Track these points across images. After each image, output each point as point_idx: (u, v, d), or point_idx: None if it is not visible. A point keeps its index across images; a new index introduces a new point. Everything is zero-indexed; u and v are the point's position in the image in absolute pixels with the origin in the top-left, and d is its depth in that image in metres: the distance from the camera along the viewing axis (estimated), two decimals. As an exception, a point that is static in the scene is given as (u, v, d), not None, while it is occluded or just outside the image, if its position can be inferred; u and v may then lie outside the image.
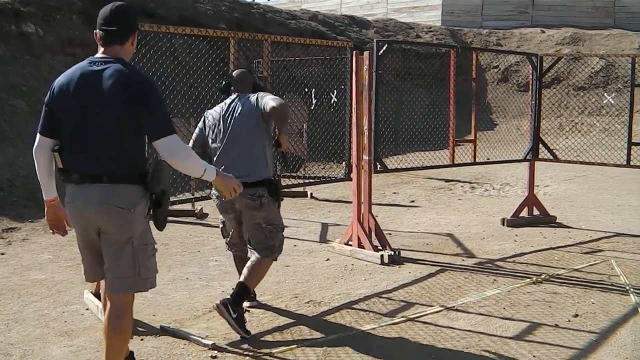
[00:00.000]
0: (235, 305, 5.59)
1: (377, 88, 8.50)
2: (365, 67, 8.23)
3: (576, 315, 6.26)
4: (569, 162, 11.24)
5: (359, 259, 8.17)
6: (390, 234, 9.40)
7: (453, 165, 9.88)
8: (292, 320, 6.05)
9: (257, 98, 5.86)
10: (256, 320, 6.02)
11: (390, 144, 14.85)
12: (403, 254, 8.30)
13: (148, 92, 4.05)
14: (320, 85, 9.99)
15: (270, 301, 6.60)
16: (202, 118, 6.16)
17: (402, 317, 6.15)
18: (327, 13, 27.72)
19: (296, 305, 6.51)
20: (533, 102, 10.58)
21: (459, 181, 14.77)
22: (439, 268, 7.84)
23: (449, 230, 9.98)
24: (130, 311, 4.34)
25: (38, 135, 4.23)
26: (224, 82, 6.28)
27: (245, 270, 5.85)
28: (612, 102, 23.45)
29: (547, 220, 10.48)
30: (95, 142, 4.07)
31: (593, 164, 10.95)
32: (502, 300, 6.68)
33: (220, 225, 6.34)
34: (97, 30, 4.20)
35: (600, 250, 8.83)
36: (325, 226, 10.24)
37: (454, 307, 6.46)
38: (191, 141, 6.18)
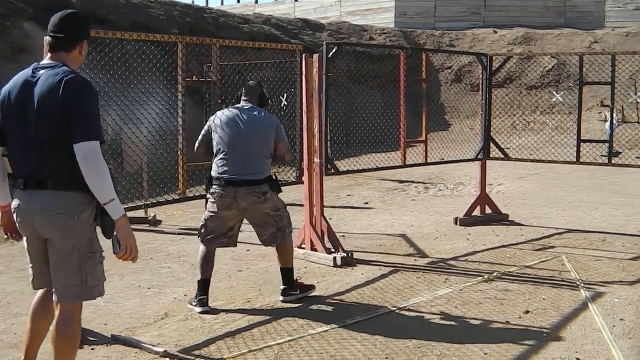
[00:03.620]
0: (291, 286, 6.74)
1: (328, 90, 8.51)
2: (315, 69, 8.22)
3: (527, 312, 6.32)
4: (520, 160, 11.34)
5: (311, 261, 8.16)
6: (343, 236, 9.40)
7: (404, 166, 9.91)
8: (244, 325, 6.01)
9: (277, 128, 6.62)
10: (208, 326, 5.98)
11: (343, 146, 14.85)
12: (356, 255, 8.31)
13: (81, 96, 4.01)
14: (271, 88, 9.96)
15: (223, 306, 6.56)
16: (212, 117, 6.70)
17: (355, 318, 6.14)
18: (281, 17, 27.72)
19: (248, 310, 6.47)
20: (483, 101, 10.66)
21: (413, 182, 14.85)
22: (391, 269, 7.87)
23: (403, 230, 10.02)
24: (78, 318, 4.27)
25: None
26: (240, 92, 6.86)
27: (279, 258, 6.80)
28: (561, 100, 23.73)
29: (499, 218, 10.58)
30: (38, 147, 4.04)
31: (543, 161, 11.06)
32: (454, 299, 6.72)
33: (202, 222, 6.63)
34: (46, 36, 4.22)
35: (551, 247, 8.93)
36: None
37: (406, 307, 6.48)
38: (199, 139, 6.74)
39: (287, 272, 6.76)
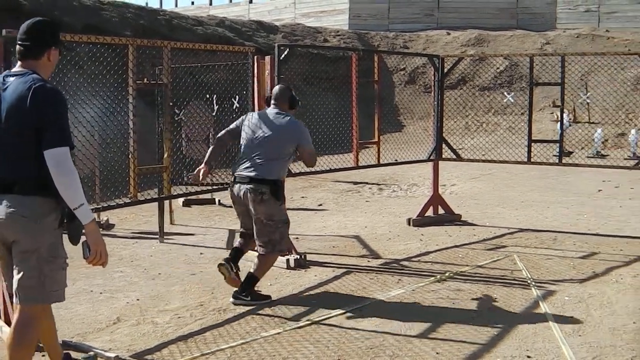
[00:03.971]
0: (244, 291, 6.69)
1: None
2: (267, 72, 8.21)
3: (479, 311, 6.36)
4: (471, 160, 11.44)
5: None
6: (297, 238, 9.40)
7: (357, 167, 9.92)
8: (197, 329, 5.97)
9: (300, 134, 6.81)
10: (160, 330, 5.94)
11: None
12: (309, 257, 8.31)
13: (49, 104, 4.06)
14: (224, 90, 9.94)
15: (176, 310, 6.51)
16: (246, 115, 7.10)
17: (307, 320, 6.14)
18: (235, 19, 27.65)
19: (201, 313, 6.42)
20: (435, 103, 10.73)
21: (367, 183, 14.90)
22: (344, 270, 7.88)
23: (356, 232, 10.04)
24: (37, 323, 4.25)
25: None
26: (269, 96, 7.19)
27: (254, 263, 6.82)
28: (512, 101, 23.98)
29: (452, 218, 10.66)
30: (6, 151, 4.11)
31: (495, 161, 11.16)
32: (407, 299, 6.75)
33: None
34: (17, 45, 4.26)
35: (503, 246, 9.01)
36: (232, 233, 10.16)
37: (358, 308, 6.49)
38: (226, 129, 7.16)
39: (251, 279, 6.79)
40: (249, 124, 6.88)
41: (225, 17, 27.03)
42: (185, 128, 11.24)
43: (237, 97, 9.77)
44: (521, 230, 10.03)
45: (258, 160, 6.64)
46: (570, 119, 22.11)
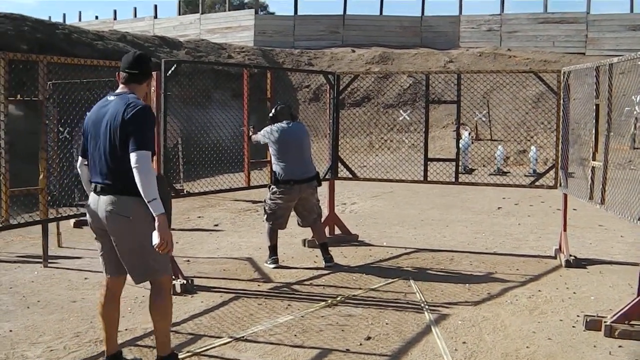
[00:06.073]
0: (327, 253, 8.99)
1: (166, 109, 8.13)
2: (153, 88, 7.84)
3: (369, 338, 6.11)
4: (368, 179, 11.27)
5: (149, 289, 7.70)
6: (188, 260, 9.04)
7: (249, 187, 9.64)
8: (67, 364, 5.57)
9: (307, 133, 9.17)
10: (26, 366, 5.50)
11: (198, 166, 14.45)
12: (198, 281, 7.94)
13: (139, 116, 4.87)
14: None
15: (49, 342, 6.06)
16: (270, 130, 8.86)
17: (188, 352, 5.78)
18: (138, 34, 27.13)
19: (76, 345, 5.99)
20: (331, 121, 10.51)
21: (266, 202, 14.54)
22: (233, 295, 7.51)
23: (249, 254, 9.69)
24: (166, 292, 5.39)
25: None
26: (271, 115, 8.99)
27: (317, 235, 9.22)
28: (408, 118, 24.07)
29: (349, 238, 10.41)
30: (105, 158, 4.96)
31: (391, 180, 10.98)
32: (295, 326, 6.44)
33: (270, 212, 8.91)
34: (121, 72, 5.19)
35: (399, 268, 8.80)
36: (122, 255, 9.72)
37: (243, 337, 6.15)
38: (260, 139, 9.03)
39: (325, 246, 9.00)
40: (278, 139, 8.81)
41: (128, 32, 26.48)
42: (77, 146, 10.73)
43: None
44: (418, 250, 9.84)
45: (306, 161, 8.96)
46: (472, 136, 22.27)
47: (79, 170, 5.36)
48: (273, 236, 8.98)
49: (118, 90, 5.18)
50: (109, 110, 4.97)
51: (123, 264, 5.15)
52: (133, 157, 4.77)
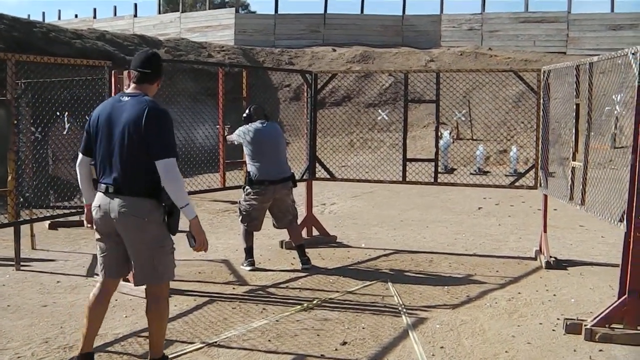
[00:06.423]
0: (304, 255, 8.85)
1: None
2: (126, 86, 7.66)
3: (344, 343, 5.96)
4: (345, 180, 11.13)
5: (123, 293, 7.51)
6: (163, 263, 8.84)
7: (224, 188, 9.48)
8: (34, 371, 5.39)
9: (282, 133, 9.07)
10: (-10, 374, 5.31)
11: (182, 166, 14.24)
12: (172, 284, 7.57)
13: (159, 120, 4.88)
14: (82, 107, 9.29)
15: (17, 348, 5.87)
16: (245, 130, 8.77)
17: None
18: (117, 33, 26.89)
19: (44, 352, 5.80)
20: (308, 120, 10.37)
21: (245, 202, 14.39)
22: (207, 299, 7.34)
23: (226, 255, 9.53)
24: (163, 298, 5.26)
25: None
26: (245, 115, 8.94)
27: (293, 238, 9.05)
28: (387, 118, 23.96)
29: (327, 240, 10.26)
30: (120, 159, 4.93)
31: (369, 181, 10.84)
32: (269, 331, 6.28)
33: (244, 213, 8.82)
34: (132, 71, 5.13)
35: (377, 270, 8.66)
36: (96, 258, 9.51)
37: (216, 342, 5.99)
38: (236, 140, 8.98)
39: (301, 247, 8.88)
40: (253, 139, 8.70)
41: (107, 31, 26.24)
42: (52, 147, 10.51)
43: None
44: (397, 251, 9.71)
45: (281, 162, 8.84)
46: (453, 136, 22.19)
47: (77, 168, 5.29)
48: (249, 238, 8.91)
49: (130, 90, 5.15)
50: (125, 112, 4.92)
51: (132, 262, 5.13)
52: (161, 165, 4.80)
